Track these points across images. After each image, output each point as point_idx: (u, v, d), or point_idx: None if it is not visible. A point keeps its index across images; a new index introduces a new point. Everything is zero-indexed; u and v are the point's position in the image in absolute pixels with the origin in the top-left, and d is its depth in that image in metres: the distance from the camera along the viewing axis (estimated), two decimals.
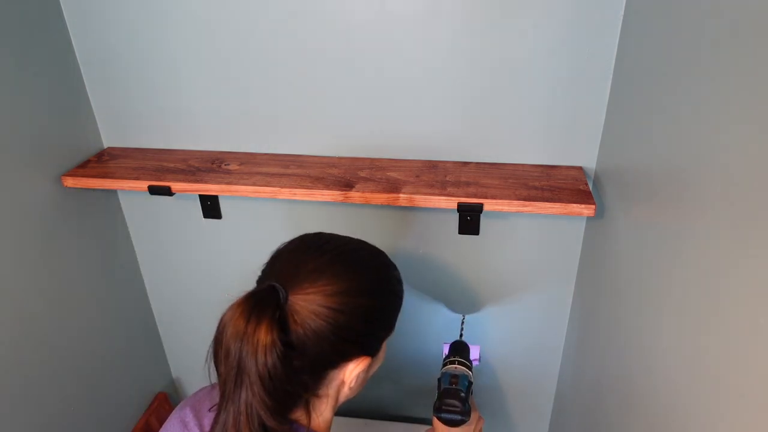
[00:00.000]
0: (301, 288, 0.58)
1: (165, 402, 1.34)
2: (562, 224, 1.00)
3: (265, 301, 0.57)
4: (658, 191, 0.63)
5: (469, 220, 0.98)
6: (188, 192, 0.97)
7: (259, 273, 0.64)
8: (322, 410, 0.65)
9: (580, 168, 0.94)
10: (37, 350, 0.97)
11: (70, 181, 0.98)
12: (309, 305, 0.57)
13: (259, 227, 1.12)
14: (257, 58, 0.95)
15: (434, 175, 0.94)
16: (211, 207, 1.10)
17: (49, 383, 1.00)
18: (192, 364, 1.37)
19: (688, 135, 0.56)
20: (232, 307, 0.57)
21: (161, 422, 1.32)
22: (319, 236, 0.68)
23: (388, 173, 0.95)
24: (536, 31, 0.84)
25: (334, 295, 0.58)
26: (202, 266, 1.20)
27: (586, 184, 0.89)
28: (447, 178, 0.92)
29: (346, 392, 0.65)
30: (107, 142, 1.10)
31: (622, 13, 0.80)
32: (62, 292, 1.02)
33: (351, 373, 0.62)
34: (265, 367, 0.55)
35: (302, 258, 0.62)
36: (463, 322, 1.12)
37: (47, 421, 1.00)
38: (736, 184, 0.45)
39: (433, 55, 0.89)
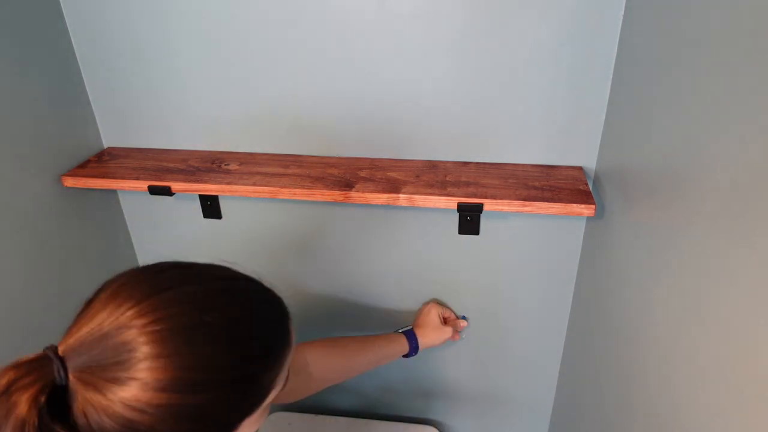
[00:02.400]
0: (99, 370, 0.43)
1: None
2: (562, 224, 1.00)
3: (27, 375, 0.43)
4: (658, 191, 0.63)
5: (469, 220, 0.98)
6: (188, 192, 0.97)
7: None
8: None
9: (580, 168, 0.94)
10: (36, 351, 0.97)
11: (70, 181, 0.98)
12: (103, 399, 0.43)
13: (259, 227, 1.12)
14: (257, 58, 0.95)
15: (434, 175, 0.94)
16: (211, 207, 1.10)
17: None
18: None
19: (689, 135, 0.56)
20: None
21: None
22: (159, 276, 0.48)
23: (388, 173, 0.95)
24: (536, 31, 0.84)
25: (147, 388, 0.43)
26: None
27: (586, 184, 0.89)
28: (447, 178, 0.92)
29: None
30: (107, 142, 1.10)
31: (622, 13, 0.80)
32: (62, 292, 1.02)
33: None
34: None
35: (110, 305, 0.45)
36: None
37: None
38: (736, 184, 0.45)
39: (432, 54, 0.89)
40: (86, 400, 0.44)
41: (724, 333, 0.47)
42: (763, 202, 0.41)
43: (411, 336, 1.03)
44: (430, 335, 1.05)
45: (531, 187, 0.89)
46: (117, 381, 0.43)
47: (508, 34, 0.85)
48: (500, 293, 1.10)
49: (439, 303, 1.12)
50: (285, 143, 1.03)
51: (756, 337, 0.41)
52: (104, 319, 0.45)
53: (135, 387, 0.43)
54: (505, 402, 1.27)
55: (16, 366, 0.44)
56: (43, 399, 0.43)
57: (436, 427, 1.27)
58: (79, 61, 1.02)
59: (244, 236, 1.14)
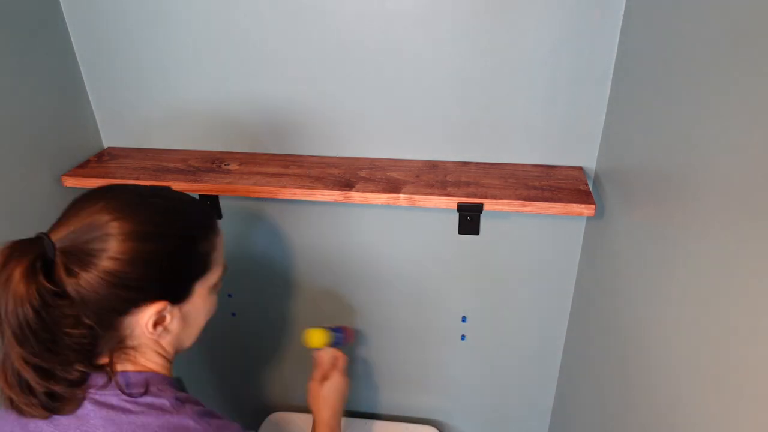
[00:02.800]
0: (76, 237, 0.58)
1: None
2: (562, 224, 1.00)
3: (24, 250, 0.56)
4: (658, 191, 0.64)
5: (469, 220, 0.98)
6: (188, 192, 0.97)
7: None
8: (143, 358, 0.66)
9: (580, 168, 0.94)
10: None
11: (70, 181, 0.98)
12: (82, 258, 0.58)
13: (259, 227, 1.12)
14: (257, 58, 0.95)
15: (434, 175, 0.94)
16: (211, 207, 1.10)
17: None
18: (192, 365, 1.37)
19: (688, 135, 0.56)
20: None
21: None
22: (113, 187, 0.66)
23: (388, 173, 0.95)
24: (536, 30, 0.84)
25: (116, 240, 0.58)
26: None
27: (586, 184, 0.89)
28: (447, 178, 0.92)
29: (163, 338, 0.66)
30: (107, 142, 1.10)
31: (622, 13, 0.80)
32: None
33: (145, 318, 0.62)
34: (17, 319, 0.55)
35: (79, 206, 0.61)
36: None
37: None
38: (736, 184, 0.45)
39: (432, 54, 0.89)
40: (73, 264, 0.57)
41: (725, 332, 0.47)
42: (762, 201, 0.41)
43: None
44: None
45: (531, 187, 0.89)
46: (94, 241, 0.58)
47: (508, 34, 0.85)
48: (500, 293, 1.10)
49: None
50: (285, 143, 1.03)
51: (756, 337, 0.41)
52: (73, 220, 0.60)
53: (107, 240, 0.58)
54: (505, 402, 1.27)
55: (13, 243, 0.57)
56: (38, 265, 0.56)
57: (436, 427, 1.27)
58: (79, 61, 1.02)
59: (244, 236, 1.14)
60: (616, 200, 0.81)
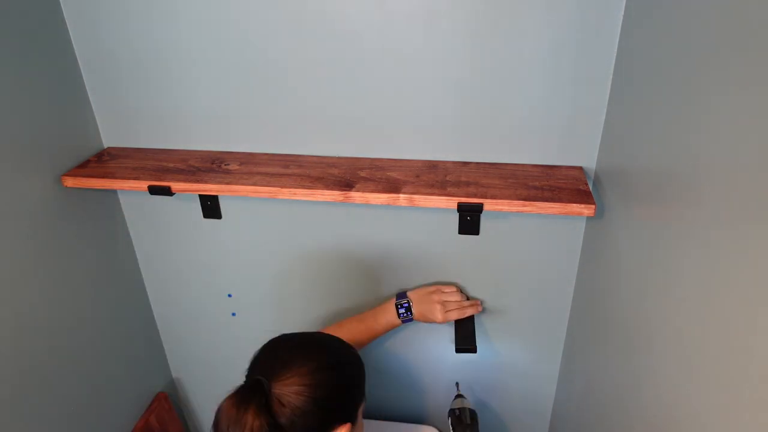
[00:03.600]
0: (280, 375, 0.70)
1: (165, 402, 1.34)
2: (562, 224, 1.00)
3: (251, 391, 0.69)
4: (658, 191, 0.64)
5: (469, 220, 0.98)
6: (188, 192, 0.97)
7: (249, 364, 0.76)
8: None
9: (580, 168, 0.94)
10: (36, 350, 0.97)
11: (70, 181, 0.98)
12: (290, 387, 0.70)
13: (259, 227, 1.12)
14: (257, 58, 0.95)
15: (434, 175, 0.94)
16: (211, 207, 1.10)
17: (49, 383, 1.00)
18: (192, 364, 1.37)
19: (688, 135, 0.56)
20: (226, 399, 0.68)
21: (161, 422, 1.31)
22: (285, 335, 0.80)
23: (388, 173, 0.95)
24: (536, 31, 0.84)
25: (308, 374, 0.71)
26: (202, 266, 1.20)
27: (586, 184, 0.89)
28: (447, 178, 0.92)
29: None
30: (107, 142, 1.10)
31: (622, 13, 0.80)
32: (62, 292, 1.02)
33: None
34: None
35: (276, 352, 0.76)
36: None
37: (47, 420, 1.00)
38: (735, 184, 0.45)
39: (433, 55, 0.89)
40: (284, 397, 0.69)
41: (725, 332, 0.47)
42: (761, 201, 0.41)
43: (402, 296, 1.08)
44: (419, 292, 1.08)
45: (531, 187, 0.89)
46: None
47: (508, 35, 0.85)
48: (500, 293, 1.10)
49: (450, 292, 1.08)
50: (285, 143, 1.03)
51: (756, 336, 0.42)
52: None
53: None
54: (505, 402, 1.27)
55: (242, 389, 0.70)
56: (263, 403, 0.68)
57: (436, 427, 1.27)
58: (79, 61, 1.02)
59: (244, 236, 1.14)
60: (616, 200, 0.81)
